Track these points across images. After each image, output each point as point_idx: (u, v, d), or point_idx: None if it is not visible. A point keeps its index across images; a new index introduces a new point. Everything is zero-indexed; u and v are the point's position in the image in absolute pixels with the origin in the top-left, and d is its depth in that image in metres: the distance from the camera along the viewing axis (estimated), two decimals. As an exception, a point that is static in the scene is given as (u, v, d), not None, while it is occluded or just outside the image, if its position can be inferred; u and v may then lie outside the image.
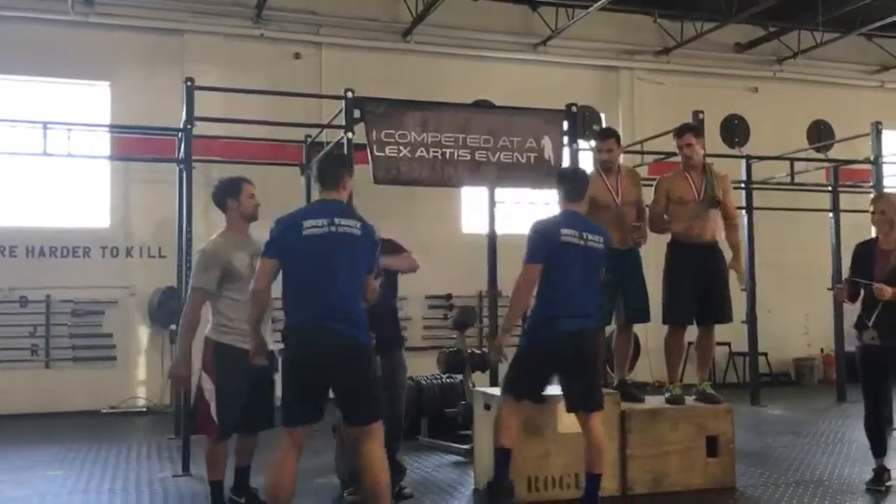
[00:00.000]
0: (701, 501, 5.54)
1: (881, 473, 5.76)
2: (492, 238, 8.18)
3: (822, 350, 13.38)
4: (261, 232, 5.50)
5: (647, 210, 6.37)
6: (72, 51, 11.24)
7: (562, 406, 5.43)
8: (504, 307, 7.89)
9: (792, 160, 11.48)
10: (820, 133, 12.34)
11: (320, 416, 4.29)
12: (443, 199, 11.73)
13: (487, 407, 5.80)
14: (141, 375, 11.33)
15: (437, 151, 7.37)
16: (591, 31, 13.08)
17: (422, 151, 7.39)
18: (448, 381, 8.33)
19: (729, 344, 12.50)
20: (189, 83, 7.14)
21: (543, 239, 5.04)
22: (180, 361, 5.05)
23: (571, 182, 5.23)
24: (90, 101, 11.56)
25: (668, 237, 6.33)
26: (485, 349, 8.98)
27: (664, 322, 6.23)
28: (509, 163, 7.56)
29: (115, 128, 10.68)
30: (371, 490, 4.26)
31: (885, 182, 10.64)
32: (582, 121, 8.90)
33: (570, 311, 4.97)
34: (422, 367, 8.69)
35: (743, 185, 11.02)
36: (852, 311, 5.80)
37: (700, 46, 13.63)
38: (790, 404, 10.88)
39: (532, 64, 13.06)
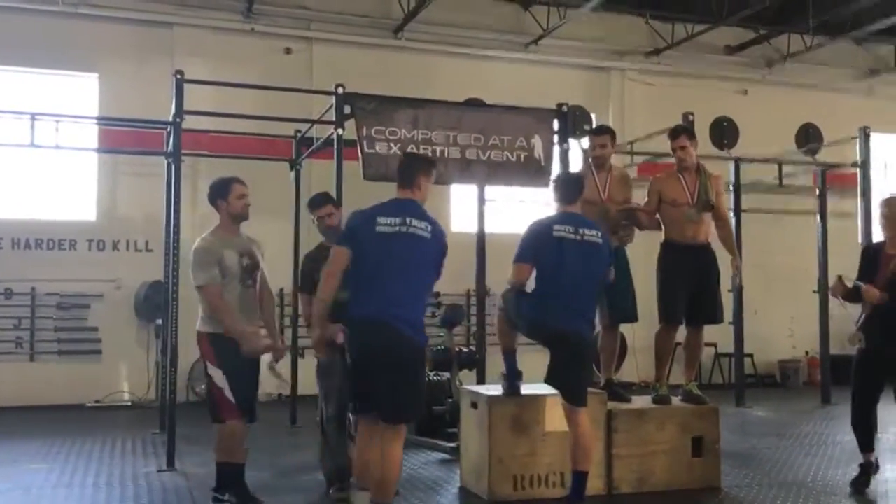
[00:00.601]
0: (686, 501, 5.56)
1: (868, 467, 5.75)
2: (481, 237, 8.18)
3: (806, 352, 13.45)
4: (253, 231, 5.53)
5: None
6: (60, 42, 11.16)
7: (549, 405, 5.45)
8: (492, 305, 7.95)
9: (780, 163, 11.53)
10: (808, 136, 12.38)
11: (385, 407, 4.39)
12: (432, 197, 11.52)
13: (474, 405, 5.80)
14: (126, 369, 11.26)
15: (427, 149, 7.35)
16: (582, 31, 13.11)
17: (412, 148, 7.37)
18: (435, 378, 8.32)
19: (715, 345, 12.55)
20: (179, 76, 7.10)
21: (535, 238, 5.06)
22: (249, 340, 5.03)
23: (565, 185, 5.32)
24: (78, 93, 11.49)
25: (660, 237, 6.34)
26: (472, 347, 8.99)
27: (659, 320, 6.23)
28: (499, 161, 7.56)
29: (103, 120, 10.62)
30: (379, 484, 4.32)
31: (872, 186, 10.71)
32: (572, 120, 8.90)
33: (565, 309, 4.98)
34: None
35: (732, 188, 11.07)
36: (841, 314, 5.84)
37: (691, 48, 13.68)
38: (775, 406, 10.94)
39: (523, 63, 13.07)
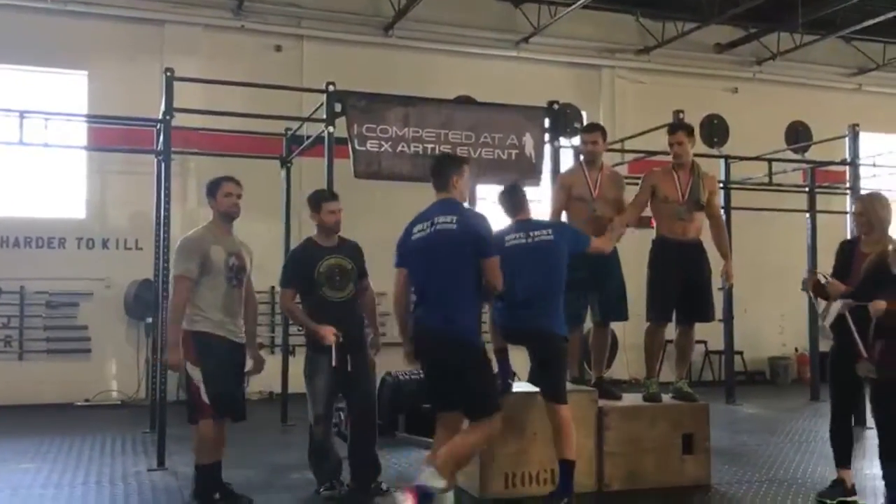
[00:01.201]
0: (676, 498, 5.58)
1: (839, 484, 5.35)
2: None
3: (796, 349, 13.51)
4: (243, 229, 5.53)
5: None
6: (49, 39, 11.11)
7: (539, 403, 5.46)
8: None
9: (770, 161, 11.57)
10: (798, 134, 12.41)
11: (457, 406, 4.68)
12: (423, 195, 11.60)
13: (465, 403, 5.79)
14: (116, 368, 11.23)
15: (418, 147, 7.35)
16: (573, 29, 13.12)
17: (403, 146, 7.37)
18: (426, 376, 8.32)
19: (705, 342, 12.59)
20: (169, 73, 7.07)
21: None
22: (171, 349, 5.09)
23: (508, 199, 5.43)
24: (68, 91, 11.43)
25: (650, 235, 6.34)
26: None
27: (648, 317, 6.23)
28: (490, 159, 7.56)
29: (92, 118, 10.56)
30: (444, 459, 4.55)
31: (862, 184, 10.75)
32: (563, 118, 8.90)
33: (526, 310, 5.06)
34: (400, 363, 8.63)
35: (722, 185, 11.09)
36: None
37: (681, 46, 13.71)
38: (765, 402, 10.98)
39: (514, 61, 13.08)
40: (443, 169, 4.82)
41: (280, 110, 8.96)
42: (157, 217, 7.97)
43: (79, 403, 10.66)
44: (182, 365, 5.06)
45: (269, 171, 9.41)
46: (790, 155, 12.20)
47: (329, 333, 5.36)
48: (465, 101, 8.68)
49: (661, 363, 6.40)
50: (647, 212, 6.38)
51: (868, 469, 6.12)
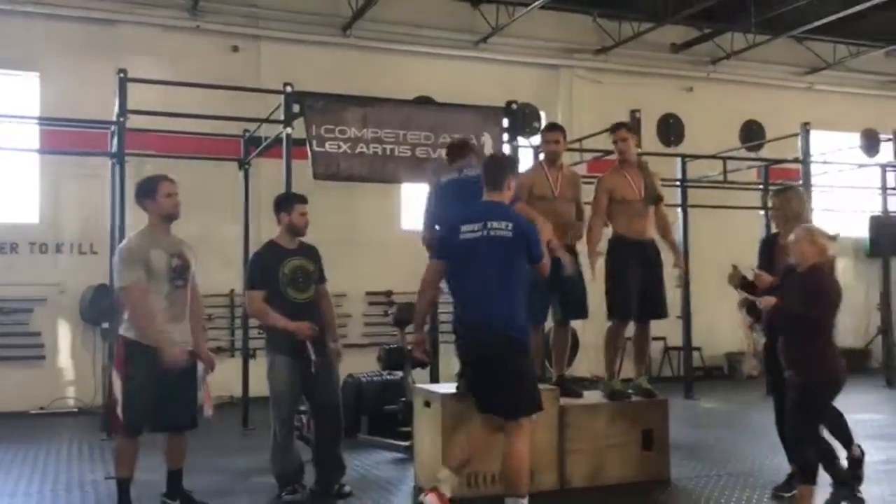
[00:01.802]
0: (636, 494, 5.63)
1: (794, 477, 5.25)
2: (432, 235, 8.17)
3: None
4: (187, 230, 5.44)
5: (585, 209, 6.42)
6: (-1, 40, 10.88)
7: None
8: (444, 303, 7.96)
9: (725, 159, 11.76)
10: (751, 133, 12.68)
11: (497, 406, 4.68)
12: (383, 196, 11.69)
13: (427, 404, 5.80)
14: (71, 375, 11.02)
15: (377, 147, 7.36)
16: (531, 29, 13.19)
17: (362, 147, 7.37)
18: (388, 378, 8.31)
19: (664, 339, 12.76)
20: (122, 75, 6.98)
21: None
22: (170, 353, 4.84)
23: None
24: (19, 93, 11.19)
25: (608, 233, 6.39)
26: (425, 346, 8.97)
27: (609, 316, 6.27)
28: (450, 159, 7.56)
29: (44, 120, 10.37)
30: (508, 478, 4.64)
31: (813, 181, 10.98)
32: (522, 118, 8.96)
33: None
34: (362, 365, 8.66)
35: (678, 184, 11.26)
36: None
37: (637, 46, 13.85)
38: (722, 397, 11.16)
39: (473, 61, 13.11)
40: (500, 170, 4.85)
41: (238, 111, 8.89)
42: (112, 221, 7.85)
43: (34, 411, 10.44)
44: (184, 354, 4.92)
45: (228, 174, 9.33)
46: (744, 153, 12.43)
47: (305, 328, 5.37)
48: (423, 102, 8.71)
49: (622, 361, 6.45)
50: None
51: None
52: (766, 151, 12.51)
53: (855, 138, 13.08)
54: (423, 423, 5.91)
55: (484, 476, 5.51)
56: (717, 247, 12.90)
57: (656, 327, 6.58)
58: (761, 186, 11.71)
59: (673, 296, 10.74)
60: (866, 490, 5.40)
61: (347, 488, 5.69)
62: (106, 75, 9.06)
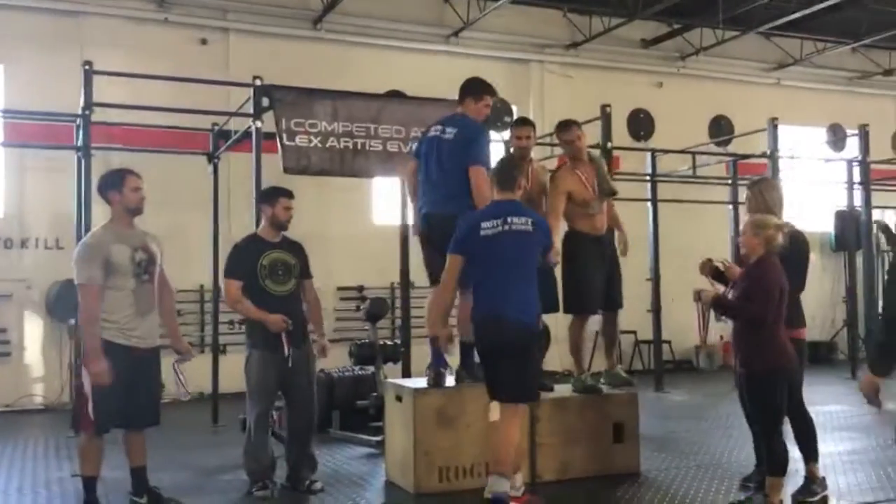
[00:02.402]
0: (607, 487, 5.67)
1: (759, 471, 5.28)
2: (403, 229, 8.16)
3: (721, 337, 13.87)
4: (156, 224, 5.38)
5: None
6: (-39, 31, 10.66)
7: (472, 397, 5.50)
8: (416, 298, 7.97)
9: (694, 154, 11.86)
10: (720, 128, 12.79)
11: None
12: (354, 190, 11.65)
13: (399, 398, 5.80)
14: (38, 371, 10.86)
15: (348, 141, 7.32)
16: (502, 24, 13.19)
17: (332, 141, 7.33)
18: (360, 373, 8.29)
19: (635, 332, 12.86)
20: (87, 67, 6.87)
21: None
22: (93, 361, 4.81)
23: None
24: (-19, 85, 11.00)
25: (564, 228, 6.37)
26: (397, 340, 8.97)
27: (572, 311, 6.28)
28: (421, 154, 7.54)
29: (8, 113, 10.18)
30: (492, 453, 4.84)
31: (781, 175, 11.11)
32: (494, 112, 8.96)
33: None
34: (333, 360, 8.60)
35: (648, 178, 11.34)
36: None
37: (608, 41, 13.92)
38: (692, 390, 11.28)
39: (444, 55, 13.09)
40: (512, 171, 5.06)
41: (206, 105, 8.80)
42: (79, 215, 7.74)
43: (-1, 409, 10.30)
44: (108, 373, 4.81)
45: (196, 167, 9.23)
46: (713, 148, 12.55)
47: (279, 321, 5.36)
48: (395, 96, 8.66)
49: (592, 356, 6.48)
50: None
51: (792, 452, 6.31)
52: (735, 146, 12.65)
53: (822, 133, 13.27)
54: (394, 418, 5.91)
55: (456, 469, 5.53)
56: (686, 241, 13.03)
57: (627, 321, 6.63)
58: (730, 181, 11.83)
59: (643, 289, 10.95)
60: (832, 481, 5.48)
61: (319, 484, 5.67)
62: (72, 67, 8.92)
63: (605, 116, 9.44)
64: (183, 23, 11.75)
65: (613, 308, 6.39)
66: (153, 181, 5.28)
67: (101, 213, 7.62)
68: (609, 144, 9.20)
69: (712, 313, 5.08)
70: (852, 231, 12.86)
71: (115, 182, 5.05)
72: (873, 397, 3.86)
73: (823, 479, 5.27)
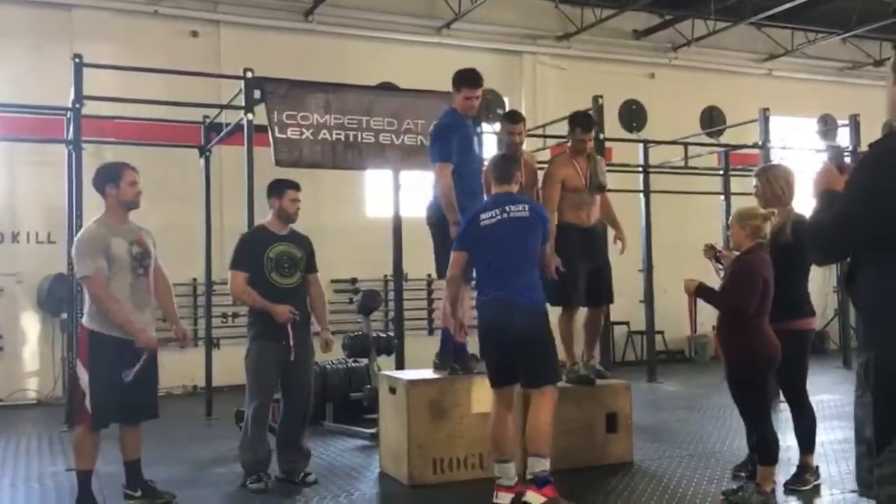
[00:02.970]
0: (601, 476, 5.69)
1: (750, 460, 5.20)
2: (397, 222, 8.17)
3: (713, 327, 13.92)
4: (147, 219, 5.36)
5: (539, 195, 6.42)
6: (-51, 24, 10.59)
7: (466, 388, 5.51)
8: (409, 290, 7.98)
9: (686, 145, 11.87)
10: (712, 118, 12.79)
11: (517, 379, 4.91)
12: (347, 183, 11.64)
13: (393, 390, 5.80)
14: (30, 366, 10.84)
15: (340, 134, 7.31)
16: (494, 15, 13.18)
17: (324, 134, 7.31)
18: (353, 365, 8.30)
19: (627, 323, 12.89)
20: (77, 60, 6.84)
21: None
22: (140, 337, 4.81)
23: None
24: (-30, 78, 10.93)
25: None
26: (390, 333, 8.99)
27: (555, 303, 6.26)
28: (413, 146, 7.56)
29: (-2, 106, 10.13)
30: (531, 438, 4.84)
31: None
32: (485, 104, 8.96)
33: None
34: (327, 352, 8.62)
35: (641, 169, 11.35)
36: None
37: (600, 33, 13.92)
38: (685, 380, 11.32)
39: (436, 47, 13.06)
40: (508, 167, 5.20)
41: (197, 98, 8.77)
42: (70, 209, 7.71)
43: (-8, 404, 10.27)
44: (153, 340, 4.87)
45: (188, 161, 9.20)
46: (705, 139, 12.56)
47: (286, 311, 5.39)
48: (387, 88, 8.64)
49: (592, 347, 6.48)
50: None
51: (783, 441, 6.35)
52: (727, 137, 12.65)
53: (813, 123, 13.30)
54: (388, 410, 5.92)
55: (450, 461, 5.54)
56: (678, 232, 13.10)
57: (620, 312, 6.64)
58: (722, 172, 11.86)
59: (636, 280, 10.98)
60: (824, 469, 5.52)
61: (313, 476, 5.68)
62: (61, 61, 8.88)
63: (598, 108, 9.45)
64: (173, 15, 11.71)
65: (598, 304, 6.40)
66: (144, 175, 5.24)
67: (92, 206, 7.62)
68: (601, 136, 9.20)
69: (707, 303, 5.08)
70: (843, 221, 12.88)
71: (111, 176, 5.02)
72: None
73: (817, 468, 5.31)
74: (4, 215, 10.91)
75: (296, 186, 5.76)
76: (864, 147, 12.10)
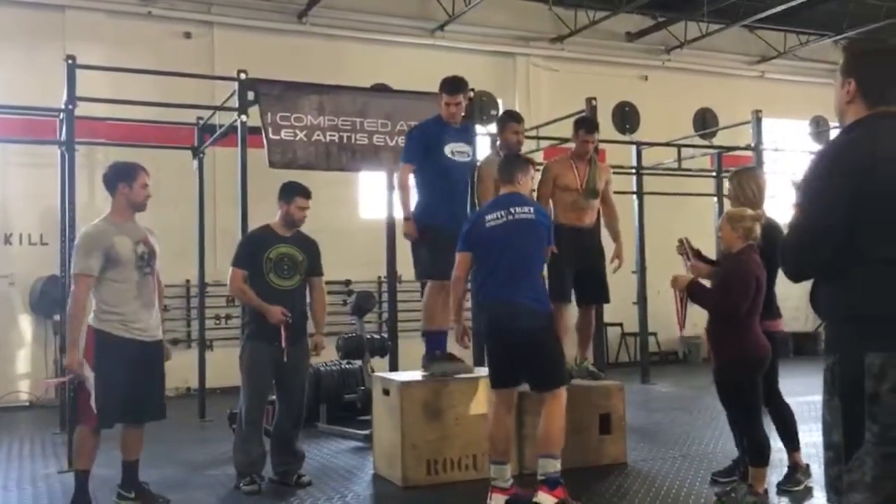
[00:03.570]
0: (594, 477, 5.70)
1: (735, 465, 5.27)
2: (390, 223, 8.14)
3: (706, 330, 13.97)
4: (154, 222, 5.36)
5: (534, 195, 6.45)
6: (-59, 25, 10.55)
7: (459, 389, 5.51)
8: (403, 292, 7.97)
9: (679, 146, 11.90)
10: (705, 120, 12.82)
11: (519, 381, 4.93)
12: (341, 184, 11.62)
13: (386, 392, 5.80)
14: (23, 368, 10.81)
15: (333, 135, 7.31)
16: (487, 17, 13.20)
17: (318, 135, 7.31)
18: (347, 366, 8.29)
19: (621, 325, 12.91)
20: (70, 61, 6.82)
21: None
22: (70, 350, 4.84)
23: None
24: (-37, 79, 10.89)
25: None
26: (384, 334, 8.98)
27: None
28: (407, 147, 7.53)
29: (-9, 107, 10.09)
30: (543, 439, 4.87)
31: (765, 167, 11.16)
32: (479, 106, 8.97)
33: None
34: (321, 354, 8.61)
35: (633, 171, 11.38)
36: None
37: (593, 35, 13.95)
38: (678, 381, 11.34)
39: (430, 48, 13.07)
40: (510, 166, 5.18)
41: (191, 99, 8.76)
42: (63, 211, 7.68)
43: (-16, 406, 10.23)
44: (81, 366, 4.80)
45: (182, 162, 9.19)
46: (698, 141, 12.59)
47: (278, 312, 5.40)
48: (380, 89, 8.64)
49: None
50: None
51: (775, 442, 6.37)
52: (720, 139, 12.68)
53: (805, 125, 13.34)
54: (382, 411, 5.91)
55: (444, 462, 5.55)
56: (671, 233, 13.00)
57: (613, 313, 6.66)
58: (714, 173, 11.89)
59: (629, 282, 10.99)
60: (815, 470, 5.52)
61: (306, 478, 5.68)
62: (54, 62, 8.86)
63: (591, 109, 9.45)
64: (167, 16, 11.69)
65: (588, 304, 6.42)
66: (138, 176, 5.25)
67: (85, 208, 7.62)
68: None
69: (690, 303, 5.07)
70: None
71: (127, 175, 5.04)
72: None
73: (807, 466, 5.32)
74: (-3, 217, 10.88)
75: (306, 194, 5.76)
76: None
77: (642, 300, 11.12)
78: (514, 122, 6.41)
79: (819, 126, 13.02)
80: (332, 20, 12.40)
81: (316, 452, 6.72)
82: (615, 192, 6.89)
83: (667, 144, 11.91)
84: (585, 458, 5.92)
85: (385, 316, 10.79)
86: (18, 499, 5.66)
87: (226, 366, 8.68)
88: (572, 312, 6.50)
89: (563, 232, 6.19)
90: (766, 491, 4.91)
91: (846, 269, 2.52)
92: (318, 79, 8.44)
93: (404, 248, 7.89)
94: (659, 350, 13.61)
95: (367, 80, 9.33)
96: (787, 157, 13.04)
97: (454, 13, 12.77)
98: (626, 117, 11.63)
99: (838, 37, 15.08)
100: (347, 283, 12.05)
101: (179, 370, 9.91)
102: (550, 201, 6.37)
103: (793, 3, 12.80)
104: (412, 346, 5.89)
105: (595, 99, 8.94)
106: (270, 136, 7.10)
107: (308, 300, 5.79)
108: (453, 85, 5.91)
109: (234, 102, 7.18)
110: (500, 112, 9.65)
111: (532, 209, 4.98)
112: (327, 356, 8.42)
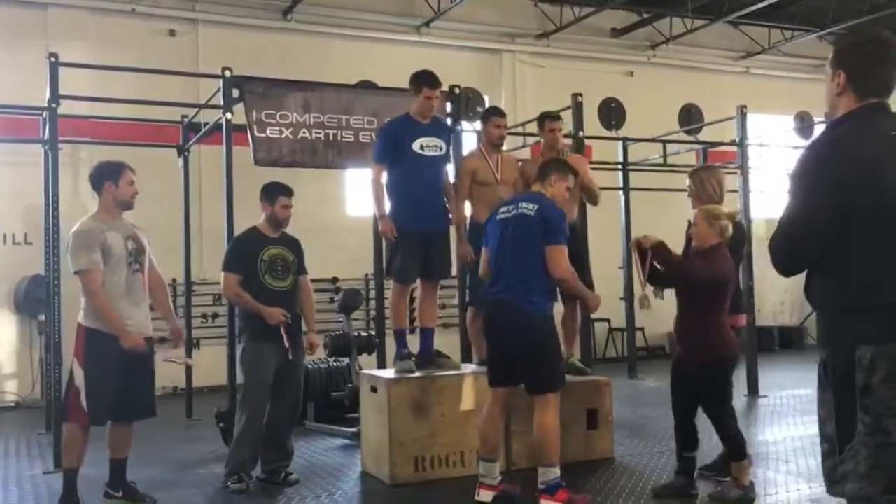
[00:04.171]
0: (582, 472, 5.72)
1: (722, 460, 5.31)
2: (377, 220, 8.14)
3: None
4: (140, 220, 5.33)
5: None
6: (-79, 23, 10.44)
7: (446, 386, 5.52)
8: (390, 289, 7.95)
9: (664, 142, 11.93)
10: (690, 116, 12.85)
11: (515, 380, 4.90)
12: (327, 181, 11.59)
13: (374, 389, 5.80)
14: (8, 368, 10.73)
15: (319, 133, 7.28)
16: (473, 14, 13.19)
17: (304, 132, 7.29)
18: (335, 364, 8.28)
19: (608, 320, 12.94)
20: (53, 59, 6.77)
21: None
22: (125, 338, 4.77)
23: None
24: (-56, 78, 10.79)
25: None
26: (371, 331, 8.97)
27: None
28: (393, 144, 7.51)
29: (-28, 106, 10.00)
30: (538, 449, 4.86)
31: (750, 163, 11.21)
32: (465, 102, 8.96)
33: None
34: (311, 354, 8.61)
35: (620, 167, 11.40)
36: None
37: (578, 31, 13.97)
38: (664, 376, 11.25)
39: (415, 45, 13.05)
40: (547, 166, 5.18)
41: (176, 97, 8.71)
42: (46, 210, 7.63)
43: (-32, 407, 10.15)
44: (139, 341, 4.82)
45: (166, 160, 9.14)
46: (683, 136, 12.63)
47: (277, 314, 5.41)
48: (366, 87, 8.61)
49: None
50: None
51: (762, 435, 6.43)
52: (705, 134, 12.72)
53: (789, 121, 13.40)
54: (369, 409, 5.91)
55: (431, 459, 5.55)
56: (657, 229, 13.03)
57: (600, 309, 6.62)
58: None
59: (616, 278, 11.02)
60: (801, 463, 5.57)
61: (294, 476, 5.67)
62: (37, 60, 8.78)
63: (577, 106, 9.46)
64: (151, 14, 11.62)
65: (573, 300, 6.43)
66: (122, 175, 5.22)
67: (70, 207, 7.55)
68: (581, 133, 9.23)
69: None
70: (820, 217, 12.97)
71: (112, 173, 5.03)
72: None
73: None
74: (-20, 216, 10.79)
75: (288, 192, 5.77)
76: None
77: (629, 296, 11.15)
78: (496, 116, 6.44)
79: (804, 121, 13.07)
80: (317, 17, 12.36)
81: (304, 450, 6.71)
82: (601, 189, 6.93)
83: (652, 140, 11.94)
84: (573, 453, 5.92)
85: (372, 313, 10.78)
86: (4, 499, 5.63)
87: (213, 365, 8.66)
88: (557, 308, 6.50)
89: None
90: (752, 483, 4.93)
91: (836, 263, 2.54)
92: (304, 76, 8.41)
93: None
94: (646, 345, 13.66)
95: (352, 77, 9.30)
96: (772, 152, 13.08)
97: (440, 10, 12.76)
98: (612, 113, 11.64)
99: (822, 32, 15.16)
100: (334, 280, 12.03)
101: (166, 369, 9.84)
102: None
103: (776, -1, 12.86)
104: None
105: (581, 95, 8.96)
106: (256, 133, 7.07)
107: None
108: (434, 78, 5.96)
109: (219, 100, 7.15)
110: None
111: (535, 207, 4.85)
112: (315, 354, 8.44)
